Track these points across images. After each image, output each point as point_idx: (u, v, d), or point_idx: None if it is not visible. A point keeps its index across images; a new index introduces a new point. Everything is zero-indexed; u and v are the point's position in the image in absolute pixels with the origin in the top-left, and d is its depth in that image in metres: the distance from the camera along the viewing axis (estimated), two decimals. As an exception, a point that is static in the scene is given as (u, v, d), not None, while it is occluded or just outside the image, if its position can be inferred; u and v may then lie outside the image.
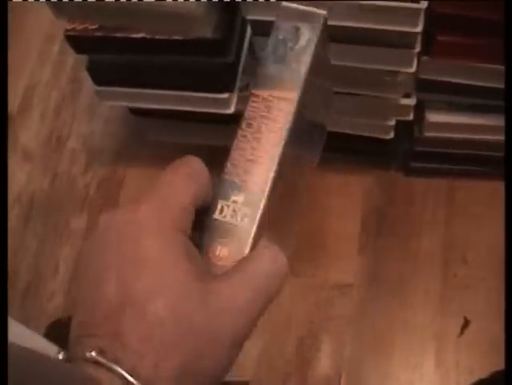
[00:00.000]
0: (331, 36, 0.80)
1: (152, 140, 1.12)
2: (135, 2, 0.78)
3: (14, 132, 1.23)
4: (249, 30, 0.88)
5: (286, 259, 0.46)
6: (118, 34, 0.82)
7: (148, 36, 0.81)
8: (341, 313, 1.04)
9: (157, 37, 0.81)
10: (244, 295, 0.41)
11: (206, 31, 0.80)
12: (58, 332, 1.05)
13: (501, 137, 0.96)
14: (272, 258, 0.44)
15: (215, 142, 1.10)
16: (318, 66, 0.49)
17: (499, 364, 0.98)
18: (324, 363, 1.01)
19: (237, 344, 0.42)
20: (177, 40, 0.81)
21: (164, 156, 1.16)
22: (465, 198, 1.08)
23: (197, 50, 0.83)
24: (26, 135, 1.22)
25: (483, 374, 0.97)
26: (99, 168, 1.18)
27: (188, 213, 0.43)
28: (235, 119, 0.98)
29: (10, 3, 1.30)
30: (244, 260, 0.43)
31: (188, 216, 0.43)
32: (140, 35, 0.81)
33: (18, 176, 1.20)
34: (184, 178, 0.45)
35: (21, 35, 1.30)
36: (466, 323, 1.01)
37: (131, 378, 0.37)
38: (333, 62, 0.84)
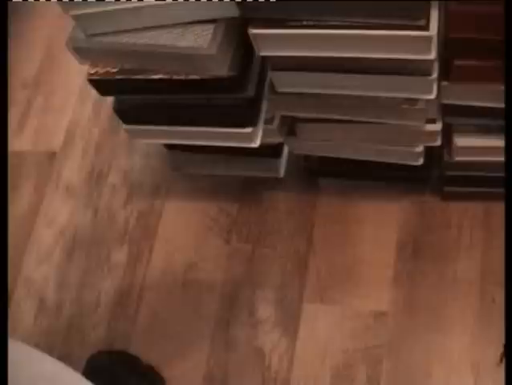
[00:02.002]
0: (345, 66, 0.82)
1: (188, 173, 1.15)
2: (151, 45, 0.81)
3: (58, 169, 1.27)
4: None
5: None
6: (137, 76, 0.84)
7: (166, 77, 0.83)
8: (376, 342, 1.02)
9: (175, 77, 0.83)
10: None
11: (221, 70, 0.81)
12: (97, 363, 1.08)
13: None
14: None
15: (247, 173, 1.12)
16: None
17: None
18: (356, 392, 1.00)
19: None
20: (194, 80, 0.83)
21: (200, 188, 1.20)
22: (501, 222, 1.06)
23: (215, 88, 0.84)
24: (68, 171, 1.27)
25: (524, 403, 0.95)
26: (138, 202, 1.21)
27: None
28: (265, 150, 1.00)
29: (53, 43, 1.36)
30: None
31: None
32: (157, 76, 0.83)
33: (62, 211, 1.24)
34: None
35: (64, 76, 1.35)
36: (506, 351, 0.99)
37: None
38: (351, 92, 0.86)
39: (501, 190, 1.05)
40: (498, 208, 1.07)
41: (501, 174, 1.01)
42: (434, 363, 1.00)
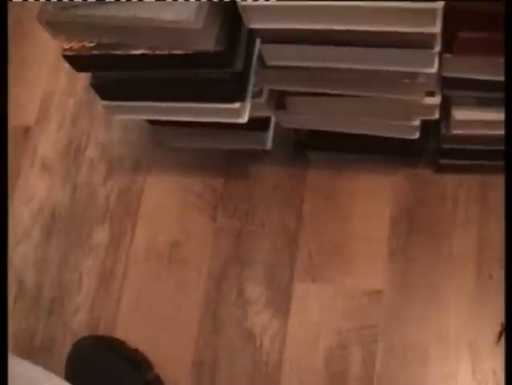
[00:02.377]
0: (347, 39, 0.77)
1: (170, 147, 1.09)
2: (131, 18, 0.74)
3: (33, 143, 1.21)
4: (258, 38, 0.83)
5: None
6: (116, 52, 0.78)
7: (148, 52, 0.77)
8: (371, 321, 0.99)
9: (157, 52, 0.77)
10: None
11: (208, 44, 0.76)
12: (82, 349, 1.04)
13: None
14: None
15: (233, 146, 1.07)
16: None
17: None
18: (355, 376, 0.97)
19: None
20: (178, 54, 0.77)
21: (183, 162, 1.15)
22: (499, 195, 1.02)
23: (201, 63, 0.79)
24: (44, 146, 1.20)
25: (523, 383, 0.92)
26: (119, 178, 1.15)
27: None
28: (253, 124, 0.95)
29: (23, 16, 1.28)
30: None
31: None
32: (139, 52, 0.77)
33: (39, 188, 1.18)
34: None
35: (36, 46, 1.27)
36: (503, 329, 0.96)
37: None
38: (348, 66, 0.81)
39: (499, 163, 1.01)
40: (495, 181, 1.03)
41: (499, 147, 0.97)
42: (430, 342, 0.97)
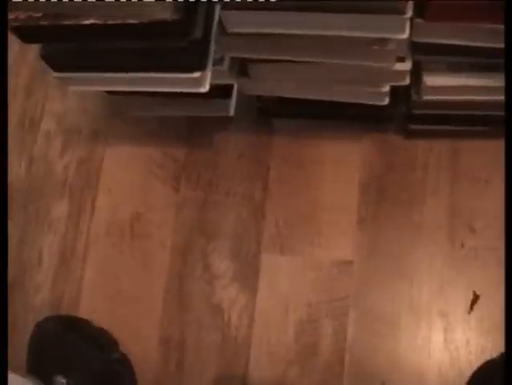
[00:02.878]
0: (317, 5, 0.72)
1: (129, 116, 1.04)
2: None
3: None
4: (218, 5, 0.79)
5: None
6: (65, 22, 0.72)
7: (100, 22, 0.72)
8: (342, 293, 0.97)
9: (110, 22, 0.72)
10: None
11: (163, 13, 0.71)
12: (45, 331, 1.01)
13: (501, 97, 0.89)
14: None
15: (195, 113, 1.02)
16: None
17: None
18: (326, 348, 0.95)
19: None
20: (132, 24, 0.72)
21: (143, 131, 1.10)
22: (469, 161, 1.00)
23: (157, 32, 0.74)
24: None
25: (495, 352, 0.92)
26: (77, 150, 1.10)
27: None
28: (215, 91, 0.91)
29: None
30: None
31: None
32: (90, 21, 0.72)
33: (-7, 162, 1.13)
34: None
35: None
36: (476, 298, 0.95)
37: None
38: (320, 32, 0.76)
39: (469, 128, 0.99)
40: (465, 146, 1.01)
41: (469, 112, 0.95)
42: (402, 312, 0.96)
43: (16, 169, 1.11)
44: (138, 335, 1.00)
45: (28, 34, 0.77)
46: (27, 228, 1.08)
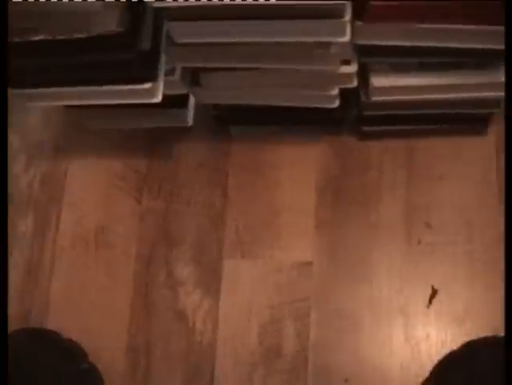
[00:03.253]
0: (255, 13, 0.74)
1: (89, 129, 1.06)
2: (31, 3, 0.71)
3: None
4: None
5: None
6: (14, 39, 0.74)
7: (48, 37, 0.74)
8: (303, 294, 0.99)
9: (58, 37, 0.74)
10: None
11: (109, 26, 0.73)
12: (14, 344, 1.01)
13: (449, 95, 0.92)
14: None
15: (153, 124, 1.04)
16: None
17: (471, 334, 0.95)
18: (289, 349, 0.97)
19: None
20: (81, 38, 0.74)
21: (104, 144, 1.12)
22: (424, 159, 1.02)
23: (104, 45, 0.76)
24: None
25: (455, 344, 0.94)
26: (40, 164, 1.12)
27: None
28: (171, 101, 0.92)
29: None
30: None
31: None
32: (38, 37, 0.74)
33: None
34: None
35: None
36: (434, 292, 0.97)
37: None
38: (262, 39, 0.79)
39: (420, 127, 1.02)
40: (419, 145, 1.03)
41: (420, 111, 0.97)
42: (363, 311, 0.98)
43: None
44: (106, 345, 1.01)
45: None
46: (-7, 244, 1.09)
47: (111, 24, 0.73)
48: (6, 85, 0.77)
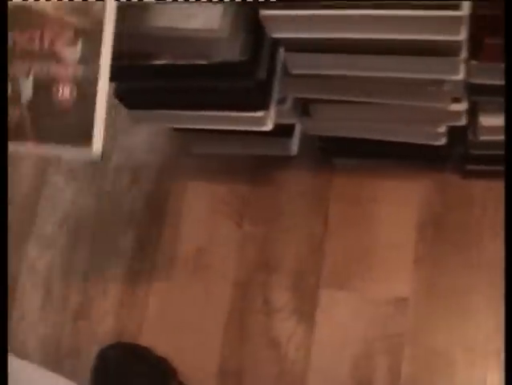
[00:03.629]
0: (372, 48, 0.75)
1: (194, 153, 1.09)
2: (157, 28, 0.74)
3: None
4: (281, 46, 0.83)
5: None
6: (139, 62, 0.78)
7: (170, 62, 0.77)
8: (397, 330, 0.98)
9: (179, 62, 0.77)
10: None
11: (232, 54, 0.75)
12: (107, 357, 1.04)
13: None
14: None
15: (259, 152, 1.06)
16: None
17: None
18: (380, 384, 0.96)
19: None
20: (201, 65, 0.77)
21: (208, 167, 1.14)
22: (528, 201, 1.01)
23: (223, 73, 0.78)
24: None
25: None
26: (144, 184, 1.15)
27: None
28: (278, 130, 0.94)
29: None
30: None
31: None
32: (162, 62, 0.77)
33: (65, 195, 1.18)
34: None
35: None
36: (533, 338, 0.95)
37: None
38: (379, 74, 0.80)
39: (527, 168, 1.00)
40: (524, 187, 1.01)
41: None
42: (458, 351, 0.96)
43: (86, 202, 1.17)
44: (197, 365, 1.03)
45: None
46: (94, 258, 1.13)
47: (233, 52, 0.75)
48: (5, 87, 0.79)
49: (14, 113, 0.47)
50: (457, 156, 1.02)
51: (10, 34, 0.46)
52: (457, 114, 0.88)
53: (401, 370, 0.97)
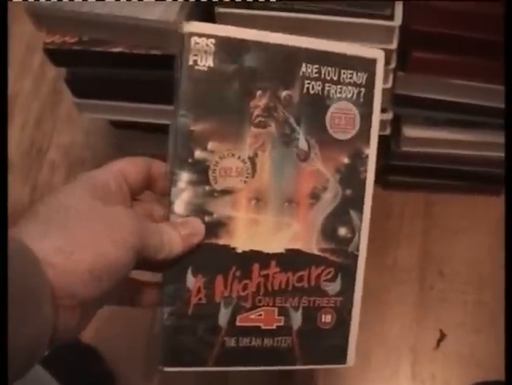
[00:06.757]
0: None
1: (131, 152, 1.12)
2: (115, 16, 0.79)
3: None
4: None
5: (177, 239, 0.52)
6: (96, 49, 0.82)
7: (126, 51, 0.82)
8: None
9: (135, 51, 0.82)
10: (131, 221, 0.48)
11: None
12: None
13: (478, 152, 0.99)
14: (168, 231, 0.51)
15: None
16: None
17: (476, 377, 1.00)
18: (298, 376, 1.01)
19: (132, 248, 0.47)
20: (156, 55, 0.82)
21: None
22: (441, 212, 1.09)
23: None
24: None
25: (459, 385, 0.99)
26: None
27: (109, 187, 0.52)
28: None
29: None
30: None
31: (110, 189, 0.52)
32: (117, 50, 0.82)
33: (-1, 186, 1.19)
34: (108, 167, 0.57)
35: (2, 46, 1.30)
36: (442, 336, 1.02)
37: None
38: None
39: (442, 181, 1.09)
40: (438, 199, 1.10)
41: (444, 166, 1.04)
42: (374, 346, 1.03)
43: (19, 194, 1.18)
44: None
45: (60, 58, 0.85)
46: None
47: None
48: (5, 86, 0.83)
49: (285, 340, 0.57)
50: (379, 166, 1.09)
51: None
52: (383, 123, 0.94)
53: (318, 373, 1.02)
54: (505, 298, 0.65)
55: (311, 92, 0.55)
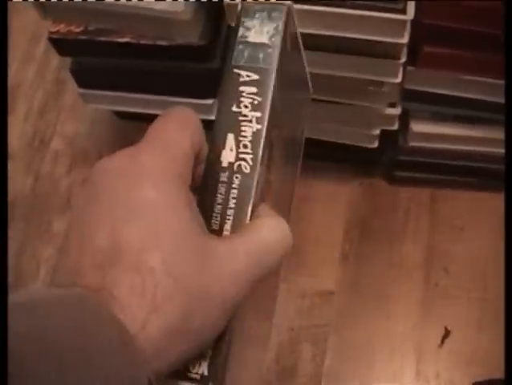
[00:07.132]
0: (315, 44, 0.81)
1: (135, 143, 1.11)
2: (122, 5, 0.77)
3: None
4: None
5: (289, 231, 0.44)
6: (102, 38, 0.81)
7: (133, 41, 0.81)
8: (322, 321, 1.03)
9: (142, 42, 0.81)
10: (243, 260, 0.40)
11: (193, 37, 0.80)
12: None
13: (485, 148, 0.98)
14: (276, 227, 0.43)
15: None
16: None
17: (480, 375, 0.99)
18: (304, 371, 1.01)
19: (229, 308, 0.40)
20: (162, 45, 0.81)
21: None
22: (447, 208, 1.08)
23: (183, 55, 0.82)
24: (9, 134, 1.21)
25: (464, 383, 0.98)
26: (83, 170, 1.17)
27: (189, 160, 0.42)
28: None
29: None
30: (247, 226, 0.42)
31: (190, 163, 0.42)
32: (124, 40, 0.81)
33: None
34: (179, 124, 0.44)
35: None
36: (447, 333, 1.01)
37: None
38: (317, 70, 0.85)
39: (449, 177, 1.08)
40: (444, 195, 1.09)
41: (450, 162, 1.04)
42: (378, 343, 1.02)
43: (22, 183, 1.17)
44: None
45: (65, 47, 0.84)
46: (27, 240, 1.13)
47: (194, 36, 0.80)
48: (5, 85, 0.83)
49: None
50: (386, 161, 1.08)
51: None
52: (391, 118, 0.94)
53: (324, 358, 1.01)
54: (505, 298, 0.64)
55: None
